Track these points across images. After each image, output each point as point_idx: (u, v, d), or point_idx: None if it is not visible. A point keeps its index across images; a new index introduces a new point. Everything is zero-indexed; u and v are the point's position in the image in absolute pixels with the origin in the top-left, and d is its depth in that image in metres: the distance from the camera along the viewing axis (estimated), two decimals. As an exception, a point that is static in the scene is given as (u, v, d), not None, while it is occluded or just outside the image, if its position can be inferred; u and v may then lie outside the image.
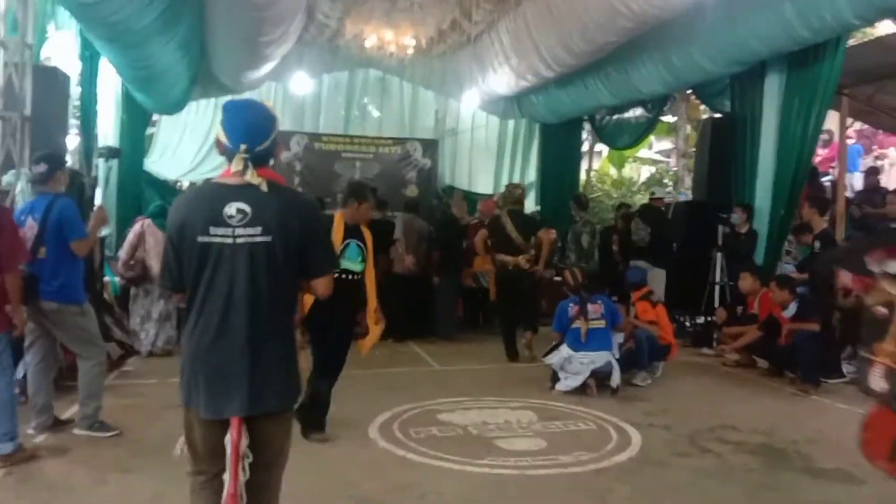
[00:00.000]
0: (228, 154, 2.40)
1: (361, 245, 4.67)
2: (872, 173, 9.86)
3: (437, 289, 8.44)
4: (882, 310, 2.63)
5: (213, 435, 2.36)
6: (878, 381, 2.58)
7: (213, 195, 2.39)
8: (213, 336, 2.34)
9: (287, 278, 2.40)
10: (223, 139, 2.41)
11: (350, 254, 4.55)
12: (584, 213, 9.42)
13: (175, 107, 9.86)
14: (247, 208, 2.32)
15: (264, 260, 2.33)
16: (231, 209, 2.31)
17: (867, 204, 8.93)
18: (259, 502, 2.42)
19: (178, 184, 11.91)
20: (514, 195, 7.60)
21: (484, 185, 12.85)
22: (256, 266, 2.32)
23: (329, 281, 2.52)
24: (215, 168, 11.63)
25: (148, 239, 7.07)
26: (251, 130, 2.40)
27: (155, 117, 10.89)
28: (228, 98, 11.15)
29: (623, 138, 11.83)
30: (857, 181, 10.34)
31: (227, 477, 2.32)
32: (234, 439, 2.30)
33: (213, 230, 2.31)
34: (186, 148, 11.50)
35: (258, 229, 2.32)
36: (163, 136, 11.41)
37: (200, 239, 2.32)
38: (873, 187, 9.41)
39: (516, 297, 7.33)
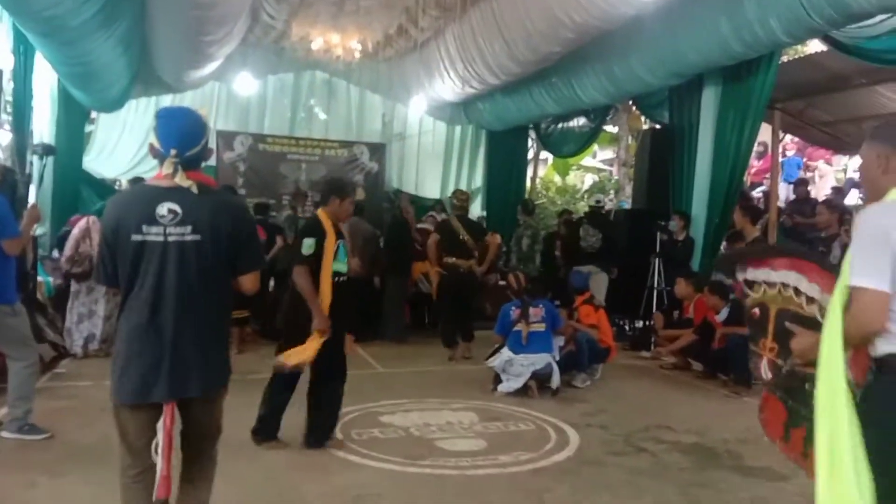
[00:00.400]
0: (160, 158, 2.56)
1: (345, 245, 4.50)
2: (802, 184, 10.28)
3: (384, 291, 8.45)
4: (756, 311, 2.86)
5: (146, 424, 2.50)
6: (763, 371, 2.83)
7: (146, 196, 2.54)
8: (145, 327, 2.47)
9: (216, 275, 2.56)
10: (156, 144, 2.57)
11: (340, 255, 4.37)
12: (530, 219, 9.56)
13: (114, 104, 9.63)
14: (178, 209, 2.48)
15: (194, 257, 2.49)
16: (163, 209, 2.47)
17: (797, 214, 9.31)
18: (196, 473, 2.62)
19: (117, 183, 11.61)
20: (461, 200, 7.83)
21: (431, 189, 12.92)
22: (186, 263, 2.48)
23: (255, 277, 2.70)
24: (154, 168, 11.31)
25: (94, 235, 6.93)
26: (182, 136, 2.56)
27: (93, 115, 10.62)
28: (170, 97, 11.09)
29: (567, 146, 12.07)
30: (790, 192, 10.77)
31: (158, 460, 2.44)
32: (167, 425, 2.44)
33: (146, 229, 2.46)
34: (126, 147, 11.24)
35: (188, 228, 2.48)
36: (101, 134, 11.13)
37: (134, 237, 2.46)
38: (803, 198, 9.82)
39: (461, 300, 7.48)
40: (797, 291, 2.65)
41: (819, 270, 2.68)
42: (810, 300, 2.62)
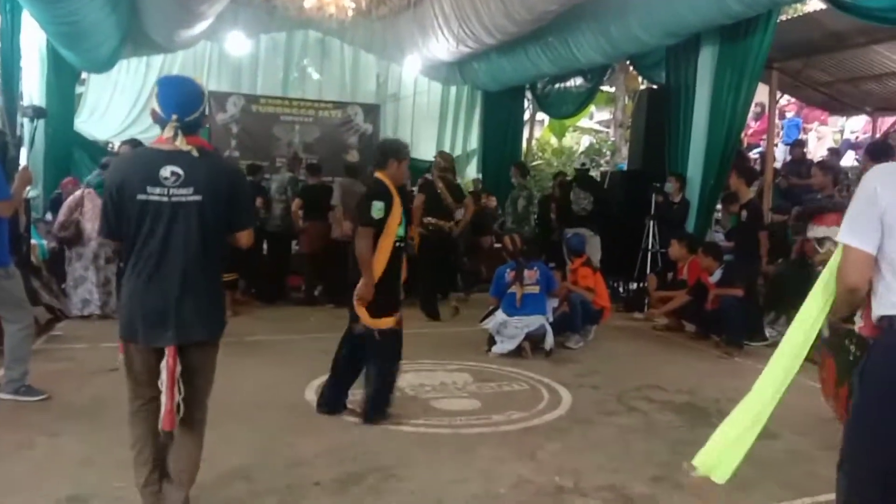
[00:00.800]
0: (161, 123, 2.74)
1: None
2: (798, 146, 10.24)
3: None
4: (820, 269, 2.80)
5: (150, 362, 2.78)
6: (825, 329, 2.80)
7: (149, 159, 2.74)
8: (149, 279, 2.72)
9: (214, 231, 2.80)
10: (157, 110, 2.76)
11: (403, 220, 4.26)
12: (524, 181, 9.53)
13: (104, 65, 9.50)
14: (180, 171, 2.69)
15: (195, 215, 2.71)
16: (166, 171, 2.68)
17: (793, 175, 9.29)
18: (191, 413, 2.85)
19: (110, 145, 11.52)
20: (444, 162, 7.86)
21: (426, 151, 12.80)
22: (188, 220, 2.71)
23: (250, 234, 2.99)
24: (147, 129, 11.27)
25: (86, 203, 7.04)
26: (182, 103, 2.75)
27: (84, 75, 10.48)
28: (161, 57, 10.94)
29: (563, 107, 11.98)
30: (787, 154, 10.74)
31: (163, 397, 2.72)
32: (170, 365, 2.72)
33: (150, 189, 2.67)
34: (117, 108, 11.14)
35: (190, 189, 2.70)
36: (92, 95, 11.01)
37: (139, 197, 2.67)
38: (799, 159, 9.79)
39: (443, 259, 7.64)
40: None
41: None
42: None
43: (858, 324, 2.35)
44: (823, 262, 2.75)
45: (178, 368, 2.74)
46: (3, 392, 4.42)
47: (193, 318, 2.75)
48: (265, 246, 8.45)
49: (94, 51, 8.36)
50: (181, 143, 2.69)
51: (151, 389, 2.79)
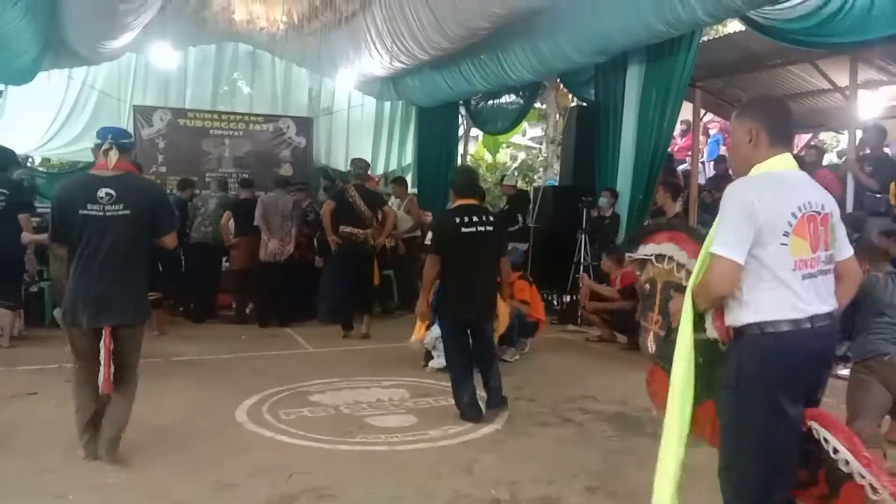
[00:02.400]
0: (98, 147, 3.65)
1: None
2: (721, 161, 10.60)
3: (320, 271, 8.32)
4: (647, 286, 2.99)
5: (90, 340, 3.60)
6: (649, 345, 2.97)
7: (89, 182, 3.63)
8: (90, 275, 3.56)
9: (140, 238, 3.67)
10: (96, 144, 3.72)
11: None
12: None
13: (23, 76, 9.10)
14: (112, 192, 3.55)
15: (124, 227, 3.57)
16: (102, 192, 3.54)
17: (717, 190, 9.61)
18: (121, 383, 3.68)
19: (29, 159, 11.05)
20: (359, 169, 7.69)
21: (360, 166, 12.76)
22: (118, 231, 3.56)
23: (173, 237, 3.85)
24: (70, 142, 10.90)
25: None
26: (116, 132, 3.75)
27: (1, 87, 10.02)
28: (84, 69, 10.56)
29: (497, 123, 12.10)
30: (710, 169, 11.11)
31: (102, 368, 3.52)
32: (107, 343, 3.54)
33: (89, 206, 3.53)
34: (38, 121, 10.66)
35: (120, 206, 3.56)
36: (11, 107, 10.51)
37: (81, 212, 3.53)
38: (723, 174, 10.14)
39: (357, 271, 7.36)
40: (679, 265, 2.78)
41: (687, 239, 2.83)
42: (680, 266, 2.78)
43: (710, 333, 2.45)
44: (648, 281, 2.95)
45: (112, 345, 3.55)
46: None
47: (124, 305, 3.59)
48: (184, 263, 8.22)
49: (11, 61, 8.00)
50: (112, 163, 3.58)
51: (92, 361, 3.57)
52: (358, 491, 3.51)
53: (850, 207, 7.63)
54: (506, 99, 11.50)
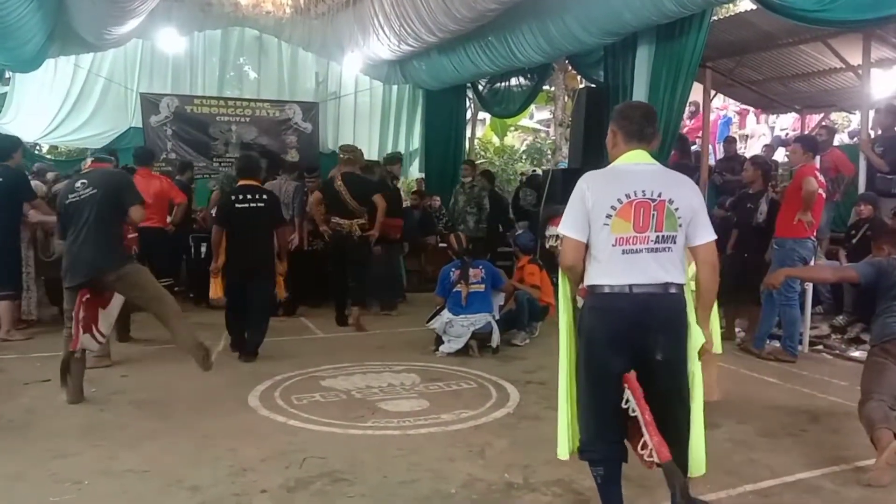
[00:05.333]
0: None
1: None
2: (731, 142, 10.52)
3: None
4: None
5: (74, 297, 4.50)
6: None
7: (68, 183, 4.91)
8: (77, 243, 4.53)
9: (109, 212, 4.59)
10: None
11: None
12: (481, 179, 9.58)
13: (30, 64, 9.08)
14: (86, 181, 4.62)
15: (96, 204, 4.54)
16: (79, 184, 4.62)
17: (727, 171, 9.55)
18: (161, 314, 4.67)
19: (37, 147, 11.08)
20: (347, 157, 7.24)
21: (368, 151, 12.70)
22: (92, 208, 4.53)
23: (137, 209, 4.68)
24: (77, 128, 10.92)
25: None
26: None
27: (8, 74, 10.02)
28: (91, 56, 10.53)
29: (505, 106, 12.03)
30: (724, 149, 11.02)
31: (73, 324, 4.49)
32: (79, 300, 4.48)
33: (71, 196, 4.59)
34: (45, 108, 10.68)
35: (91, 188, 4.57)
36: (18, 95, 10.51)
37: (68, 201, 4.59)
38: (732, 155, 10.06)
39: (345, 263, 7.07)
40: None
41: None
42: None
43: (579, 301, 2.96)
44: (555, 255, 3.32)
45: (87, 300, 4.50)
46: (-75, 407, 4.23)
47: (98, 260, 4.49)
48: (203, 249, 8.22)
49: (18, 49, 7.98)
50: (90, 167, 4.96)
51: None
52: (372, 475, 3.52)
53: (861, 188, 7.57)
54: (514, 81, 11.43)
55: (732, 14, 9.10)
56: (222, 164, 11.21)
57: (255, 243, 5.85)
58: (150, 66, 11.36)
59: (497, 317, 6.30)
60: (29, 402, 4.58)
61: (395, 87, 12.84)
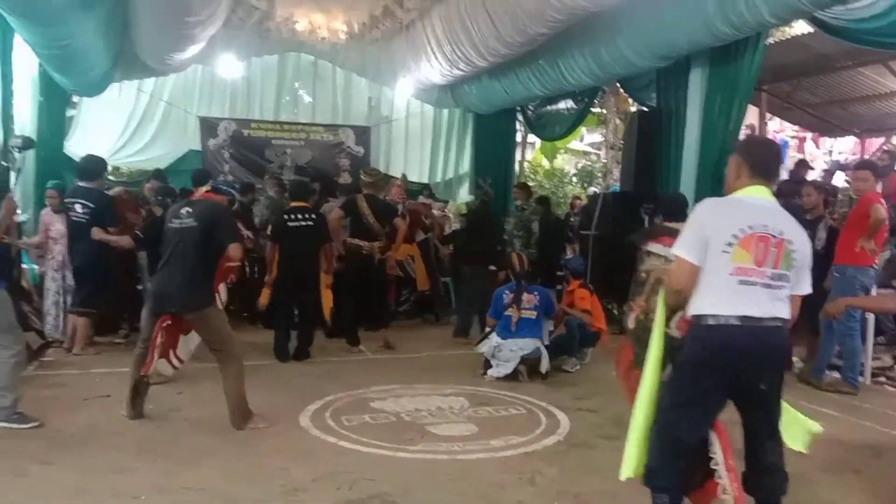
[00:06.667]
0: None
1: None
2: (802, 165, 9.96)
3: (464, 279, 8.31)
4: (643, 275, 3.40)
5: (155, 322, 4.56)
6: (630, 321, 3.39)
7: (177, 206, 4.78)
8: (165, 270, 4.60)
9: (204, 247, 4.55)
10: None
11: None
12: (532, 202, 9.57)
13: (96, 88, 9.47)
14: (190, 210, 4.62)
15: (192, 237, 4.54)
16: (184, 211, 4.63)
17: (795, 195, 9.14)
18: (221, 361, 4.63)
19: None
20: (371, 181, 7.35)
21: (418, 174, 12.83)
22: (188, 239, 4.54)
23: (236, 247, 4.64)
24: (139, 151, 11.29)
25: (56, 225, 6.82)
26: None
27: (75, 99, 10.45)
28: (153, 80, 10.91)
29: (554, 129, 12.03)
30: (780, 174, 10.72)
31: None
32: (158, 326, 4.53)
33: (174, 221, 4.64)
34: (109, 130, 11.08)
35: (192, 220, 4.56)
36: (84, 118, 10.95)
37: (169, 225, 4.66)
38: (799, 179, 9.65)
39: (362, 285, 7.08)
40: None
41: None
42: None
43: (672, 330, 2.92)
44: (644, 271, 3.38)
45: (166, 329, 4.58)
46: (-6, 420, 4.38)
47: (184, 296, 4.50)
48: (256, 268, 8.38)
49: (85, 74, 8.33)
50: (197, 197, 4.98)
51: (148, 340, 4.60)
52: (422, 499, 3.52)
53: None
54: (563, 104, 11.41)
55: (788, 37, 8.95)
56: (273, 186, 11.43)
57: (302, 258, 6.51)
58: (209, 91, 11.70)
59: (546, 342, 6.25)
60: (89, 417, 4.71)
61: (445, 111, 12.95)
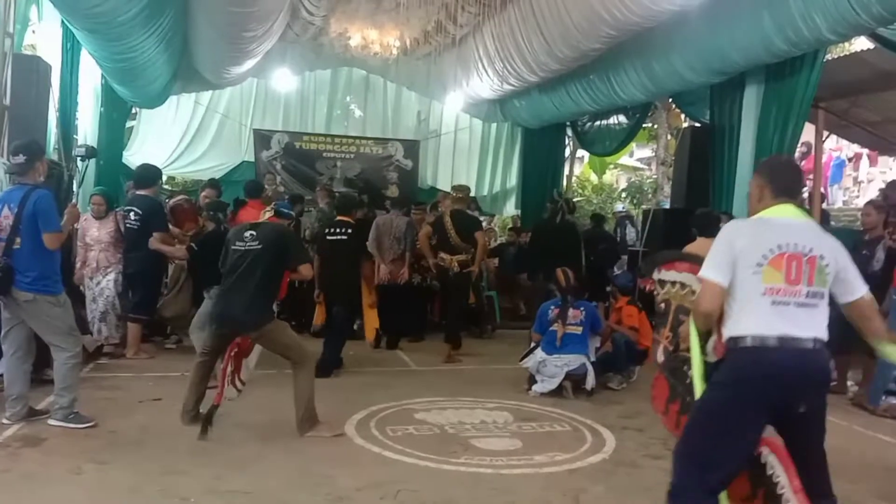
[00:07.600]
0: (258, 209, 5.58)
1: None
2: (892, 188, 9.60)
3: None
4: (662, 305, 3.35)
5: (218, 340, 4.73)
6: (659, 355, 3.33)
7: (239, 228, 4.90)
8: (229, 291, 4.66)
9: (268, 270, 4.65)
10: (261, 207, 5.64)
11: None
12: (573, 218, 9.52)
13: (155, 100, 9.80)
14: (254, 233, 4.71)
15: (258, 261, 4.61)
16: (248, 234, 4.72)
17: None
18: (294, 368, 4.69)
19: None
20: (460, 196, 7.73)
21: (466, 188, 12.87)
22: (253, 263, 4.61)
23: (307, 267, 4.99)
24: (194, 161, 11.61)
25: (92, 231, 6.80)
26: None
27: (135, 110, 10.81)
28: (209, 93, 11.22)
29: (604, 144, 11.95)
30: (836, 193, 10.46)
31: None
32: (232, 344, 4.71)
33: (238, 243, 4.70)
34: (166, 142, 11.43)
35: (257, 243, 4.66)
36: (143, 129, 11.33)
37: (233, 247, 4.73)
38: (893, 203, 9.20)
39: (445, 298, 7.52)
40: (693, 292, 3.09)
41: None
42: (693, 293, 3.09)
43: (710, 356, 2.85)
44: (663, 301, 3.33)
45: (234, 353, 4.77)
46: (52, 419, 4.50)
47: (247, 317, 4.59)
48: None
49: (147, 87, 8.63)
50: (262, 220, 4.90)
51: (214, 355, 4.79)
52: (465, 512, 3.51)
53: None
54: (614, 119, 11.33)
55: (847, 53, 8.74)
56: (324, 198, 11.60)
57: (335, 270, 6.60)
58: (263, 104, 12.00)
59: (593, 358, 6.18)
60: (142, 419, 4.83)
61: (493, 125, 13.00)
